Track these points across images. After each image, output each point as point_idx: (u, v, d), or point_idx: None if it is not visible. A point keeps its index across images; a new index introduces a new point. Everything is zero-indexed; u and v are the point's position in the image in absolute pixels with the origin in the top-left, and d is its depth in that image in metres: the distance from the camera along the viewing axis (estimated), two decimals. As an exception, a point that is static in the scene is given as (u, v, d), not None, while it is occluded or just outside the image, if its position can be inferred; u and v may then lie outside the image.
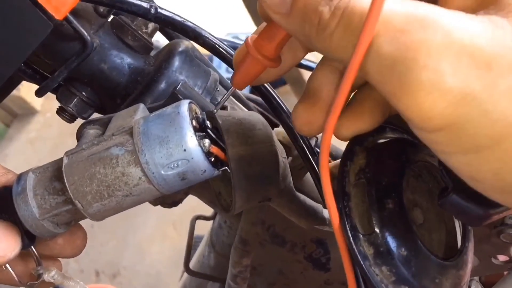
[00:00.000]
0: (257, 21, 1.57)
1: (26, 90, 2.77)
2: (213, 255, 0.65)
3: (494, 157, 0.23)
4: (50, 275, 0.38)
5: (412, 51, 0.22)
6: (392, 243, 0.32)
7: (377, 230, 0.32)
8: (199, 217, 0.68)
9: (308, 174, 0.47)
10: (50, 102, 2.98)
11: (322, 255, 0.53)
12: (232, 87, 0.35)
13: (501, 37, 0.22)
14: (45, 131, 2.78)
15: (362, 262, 0.31)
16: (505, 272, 0.49)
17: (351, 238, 0.32)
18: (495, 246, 0.45)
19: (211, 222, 0.69)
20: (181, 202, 0.48)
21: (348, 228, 0.32)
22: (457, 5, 0.25)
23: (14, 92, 3.04)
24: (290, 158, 0.45)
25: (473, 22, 0.23)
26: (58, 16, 0.31)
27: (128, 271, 2.13)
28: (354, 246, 0.32)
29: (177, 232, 2.19)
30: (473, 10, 0.24)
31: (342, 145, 0.37)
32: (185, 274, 0.75)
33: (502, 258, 0.47)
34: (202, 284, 0.68)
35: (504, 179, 0.24)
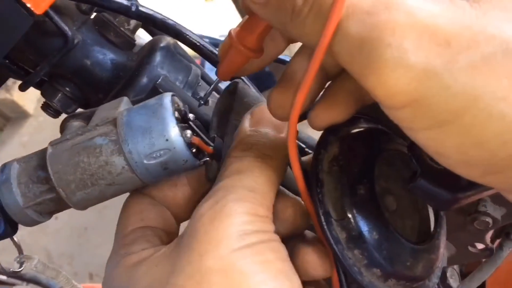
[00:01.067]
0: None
1: (19, 94, 2.77)
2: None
3: (456, 131, 0.24)
4: (33, 264, 0.39)
5: (377, 31, 0.23)
6: (363, 227, 0.33)
7: (349, 215, 0.33)
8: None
9: (289, 169, 0.48)
10: (43, 105, 2.99)
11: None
12: (217, 78, 0.36)
13: (460, 17, 0.23)
14: (38, 134, 2.78)
15: (335, 246, 0.33)
16: (483, 260, 0.50)
17: (323, 223, 0.33)
18: (471, 234, 0.46)
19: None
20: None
21: (321, 214, 0.33)
22: None
23: (7, 96, 3.01)
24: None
25: (435, 3, 0.24)
26: (38, 10, 0.32)
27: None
28: (327, 231, 0.33)
29: (170, 234, 2.19)
30: None
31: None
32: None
33: (479, 246, 0.49)
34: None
35: (466, 153, 0.25)
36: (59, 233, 2.34)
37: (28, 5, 0.32)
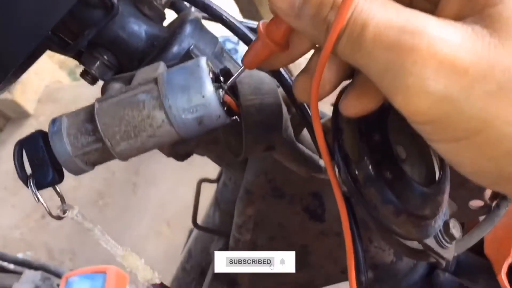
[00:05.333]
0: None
1: (19, 93, 2.80)
2: (217, 214, 0.71)
3: (470, 147, 0.28)
4: (74, 213, 0.43)
5: (401, 59, 0.26)
6: (378, 168, 0.37)
7: (365, 157, 0.37)
8: (204, 180, 0.74)
9: (305, 130, 0.52)
10: (43, 106, 3.01)
11: (317, 206, 0.59)
12: (242, 67, 0.38)
13: (478, 48, 0.26)
14: (38, 134, 2.81)
15: (353, 184, 0.37)
16: (481, 218, 0.55)
17: (341, 164, 0.37)
18: (470, 190, 0.51)
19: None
20: (192, 155, 0.54)
21: (340, 157, 0.37)
22: (448, 13, 0.29)
23: (7, 95, 3.02)
24: (289, 116, 0.51)
25: (456, 33, 0.26)
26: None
27: (123, 269, 2.15)
28: (346, 170, 0.37)
29: (171, 230, 2.22)
30: (463, 16, 0.28)
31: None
32: (193, 233, 0.81)
33: (477, 203, 0.53)
34: (208, 239, 0.74)
35: (479, 165, 0.28)
36: (60, 229, 2.36)
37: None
